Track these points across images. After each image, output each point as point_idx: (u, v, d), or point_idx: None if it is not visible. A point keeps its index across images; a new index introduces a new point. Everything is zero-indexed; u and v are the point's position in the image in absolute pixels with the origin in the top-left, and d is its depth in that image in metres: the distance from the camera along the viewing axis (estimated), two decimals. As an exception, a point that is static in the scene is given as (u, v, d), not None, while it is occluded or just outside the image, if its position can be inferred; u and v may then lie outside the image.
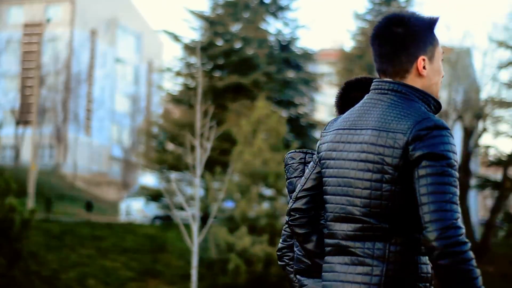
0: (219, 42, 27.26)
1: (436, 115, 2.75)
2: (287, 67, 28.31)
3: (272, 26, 28.94)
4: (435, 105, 2.81)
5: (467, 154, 27.59)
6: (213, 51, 26.50)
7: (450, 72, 27.29)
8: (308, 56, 28.69)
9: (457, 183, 2.60)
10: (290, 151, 3.59)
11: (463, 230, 2.55)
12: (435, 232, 2.50)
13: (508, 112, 28.91)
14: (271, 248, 18.76)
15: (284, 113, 26.50)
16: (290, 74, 28.40)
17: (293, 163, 3.52)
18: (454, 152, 2.59)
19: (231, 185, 19.48)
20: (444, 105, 26.84)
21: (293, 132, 26.67)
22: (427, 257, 2.67)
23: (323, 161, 2.86)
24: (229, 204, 21.01)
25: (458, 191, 2.60)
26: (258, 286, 19.59)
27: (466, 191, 27.76)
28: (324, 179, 2.85)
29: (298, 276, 3.58)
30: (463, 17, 51.73)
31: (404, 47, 2.76)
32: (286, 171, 3.55)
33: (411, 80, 2.78)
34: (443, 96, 26.92)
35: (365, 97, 2.85)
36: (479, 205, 37.70)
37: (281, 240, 3.74)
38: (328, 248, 2.83)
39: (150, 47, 58.39)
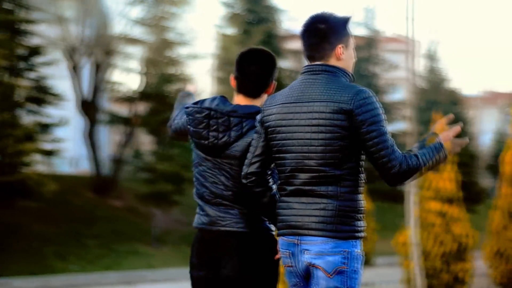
0: None
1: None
2: None
3: None
4: (352, 79, 3.76)
5: (96, 90, 27.73)
6: None
7: (80, 7, 27.11)
8: None
9: (388, 130, 3.60)
10: (199, 105, 4.08)
11: (403, 157, 3.59)
12: (396, 169, 3.56)
13: (136, 49, 29.52)
14: None
15: None
16: None
17: (198, 116, 4.05)
18: (382, 111, 3.60)
19: None
20: (74, 41, 26.64)
21: None
22: (363, 195, 3.69)
23: (272, 129, 3.71)
24: None
25: (390, 134, 3.62)
26: None
27: (96, 127, 27.99)
28: (275, 142, 3.70)
29: None
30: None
31: (326, 38, 3.72)
32: (192, 121, 4.08)
33: (333, 62, 3.74)
34: (72, 31, 26.68)
35: (301, 78, 3.74)
36: (109, 140, 38.28)
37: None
38: (284, 192, 3.71)
39: None
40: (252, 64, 4.14)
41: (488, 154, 51.02)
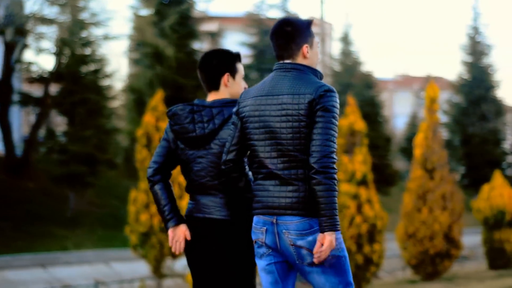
0: None
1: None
2: None
3: None
4: (320, 76, 4.25)
5: (8, 70, 27.19)
6: None
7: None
8: None
9: (337, 128, 4.08)
10: (179, 105, 4.67)
11: (335, 160, 4.04)
12: (315, 158, 3.97)
13: (49, 29, 29.02)
14: None
15: None
16: None
17: (183, 113, 4.61)
18: (338, 108, 4.07)
19: None
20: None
21: None
22: None
23: (246, 119, 4.20)
24: None
25: (336, 134, 4.08)
26: None
27: (8, 107, 27.46)
28: (248, 131, 4.19)
29: None
30: None
31: (293, 39, 4.21)
32: (176, 119, 4.62)
33: (300, 61, 4.24)
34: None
35: (272, 74, 4.26)
36: (22, 121, 37.61)
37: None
38: (260, 175, 4.19)
39: None
40: (200, 66, 4.79)
41: (401, 137, 52.00)
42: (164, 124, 15.27)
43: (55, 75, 27.44)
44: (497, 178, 22.39)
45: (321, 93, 4.06)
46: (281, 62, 4.27)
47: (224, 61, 4.74)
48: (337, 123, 4.08)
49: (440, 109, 39.19)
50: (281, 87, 4.16)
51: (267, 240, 4.19)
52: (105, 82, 28.86)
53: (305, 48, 4.26)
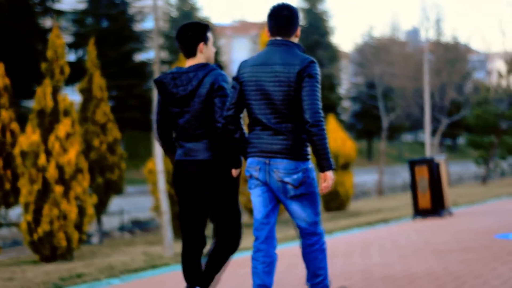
0: None
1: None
2: None
3: None
4: (304, 50, 5.42)
5: None
6: None
7: None
8: None
9: (320, 89, 5.26)
10: (161, 76, 5.82)
11: (323, 115, 5.17)
12: (309, 114, 5.14)
13: None
14: None
15: None
16: None
17: (166, 80, 5.74)
18: (319, 74, 5.26)
19: None
20: None
21: None
22: None
23: (245, 83, 5.31)
24: None
25: (320, 95, 5.26)
26: None
27: None
28: (247, 93, 5.31)
29: None
30: None
31: (292, 22, 5.34)
32: (162, 86, 5.77)
33: (292, 39, 5.37)
34: None
35: (266, 48, 5.36)
36: None
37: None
38: (256, 127, 5.32)
39: None
40: (177, 37, 5.87)
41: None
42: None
43: None
44: (331, 122, 23.05)
45: (306, 64, 5.19)
46: (273, 38, 5.37)
47: (198, 32, 5.81)
48: (320, 86, 5.23)
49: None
50: (274, 59, 5.28)
51: (259, 176, 5.34)
52: None
53: (298, 29, 5.42)
